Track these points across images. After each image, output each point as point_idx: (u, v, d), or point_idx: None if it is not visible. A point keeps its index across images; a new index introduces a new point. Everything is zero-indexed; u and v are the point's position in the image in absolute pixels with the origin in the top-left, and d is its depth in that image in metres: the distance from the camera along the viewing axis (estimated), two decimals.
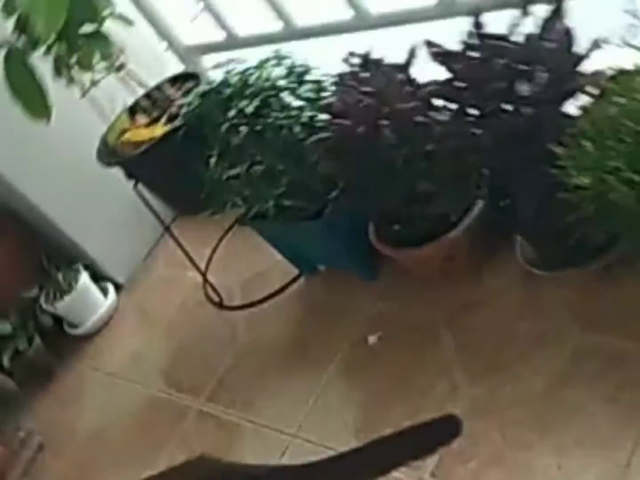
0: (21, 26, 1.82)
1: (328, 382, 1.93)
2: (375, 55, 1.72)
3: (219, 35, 2.30)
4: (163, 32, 2.41)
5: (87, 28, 1.94)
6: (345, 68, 1.76)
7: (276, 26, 2.12)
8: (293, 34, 2.09)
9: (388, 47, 1.77)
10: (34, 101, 1.89)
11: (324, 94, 1.82)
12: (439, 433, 1.44)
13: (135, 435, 2.18)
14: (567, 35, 1.52)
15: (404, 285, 1.91)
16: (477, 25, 1.48)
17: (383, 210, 1.76)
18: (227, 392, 2.13)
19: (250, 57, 2.02)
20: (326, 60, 1.91)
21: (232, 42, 2.26)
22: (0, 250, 2.49)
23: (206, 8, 2.23)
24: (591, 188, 1.36)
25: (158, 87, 2.15)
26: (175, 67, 2.40)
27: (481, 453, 1.59)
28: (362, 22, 1.88)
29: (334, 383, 1.92)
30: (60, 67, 1.94)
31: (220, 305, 2.34)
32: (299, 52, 1.99)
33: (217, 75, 1.97)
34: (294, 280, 2.22)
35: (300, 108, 1.79)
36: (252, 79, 1.86)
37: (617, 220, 1.37)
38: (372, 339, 1.93)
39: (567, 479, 1.48)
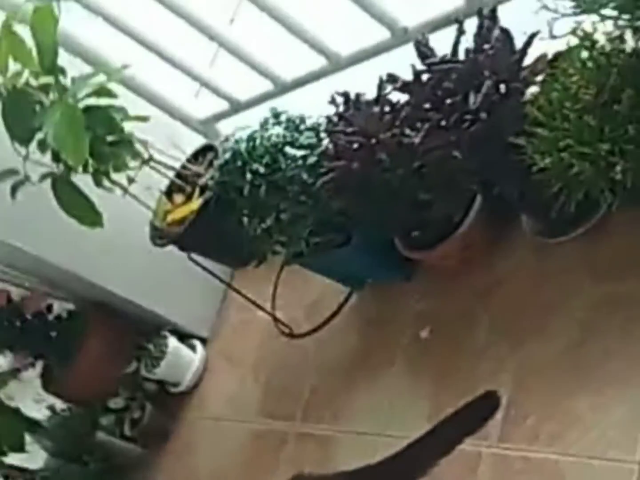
0: (56, 157, 2.13)
1: (395, 380, 2.18)
2: (352, 93, 1.97)
3: (223, 104, 2.57)
4: (174, 113, 2.69)
5: (111, 137, 2.24)
6: (332, 109, 2.01)
7: (268, 85, 2.38)
8: (284, 87, 2.35)
9: (362, 82, 2.01)
10: (86, 214, 2.20)
11: (321, 137, 2.07)
12: (482, 409, 1.67)
13: (247, 468, 2.47)
14: (505, 37, 1.73)
15: (436, 281, 2.14)
16: (421, 53, 1.70)
17: (397, 225, 1.99)
18: (315, 410, 2.39)
19: (254, 117, 2.30)
20: (316, 104, 2.16)
21: (236, 107, 2.53)
22: (99, 340, 2.82)
23: (204, 85, 2.51)
24: (553, 168, 1.57)
25: (184, 166, 2.43)
26: (192, 139, 2.68)
27: (536, 410, 1.81)
28: (336, 66, 2.12)
29: (400, 380, 2.17)
30: (98, 178, 2.25)
31: (291, 335, 2.61)
32: (292, 103, 2.25)
33: (229, 145, 2.24)
34: (347, 298, 2.46)
35: (304, 157, 2.05)
36: (257, 142, 2.12)
37: (584, 189, 1.57)
38: (424, 334, 2.16)
39: (613, 419, 1.66)
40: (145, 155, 2.34)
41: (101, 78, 2.14)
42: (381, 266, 2.23)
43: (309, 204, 2.05)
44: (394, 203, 1.90)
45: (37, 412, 2.94)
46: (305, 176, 2.03)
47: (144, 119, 2.32)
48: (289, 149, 2.07)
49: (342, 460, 2.18)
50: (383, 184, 1.86)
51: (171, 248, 2.45)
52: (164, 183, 2.47)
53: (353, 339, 2.40)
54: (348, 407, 2.28)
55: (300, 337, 2.56)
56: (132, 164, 2.31)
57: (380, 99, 1.87)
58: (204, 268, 2.47)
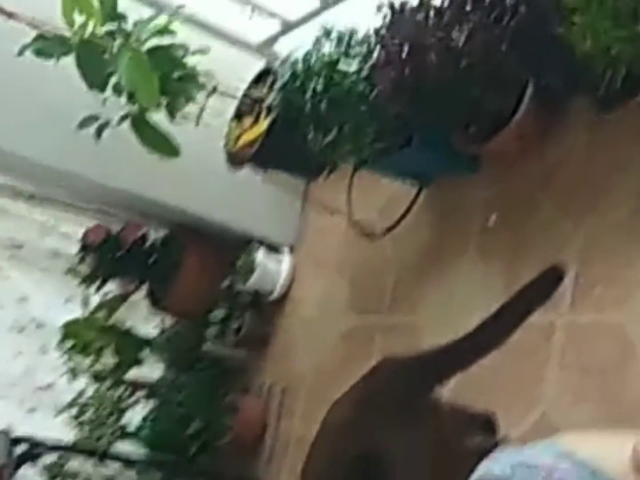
0: (131, 98, 2.30)
1: (469, 266, 2.32)
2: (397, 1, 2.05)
3: (275, 26, 2.68)
4: (232, 41, 2.81)
5: (177, 74, 2.40)
6: (379, 19, 2.10)
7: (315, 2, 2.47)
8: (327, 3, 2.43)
9: None
10: (163, 146, 2.38)
11: (372, 48, 2.17)
12: (549, 282, 1.79)
13: (343, 361, 2.69)
14: None
15: (497, 171, 2.25)
16: None
17: (453, 122, 2.10)
18: (398, 302, 2.57)
19: (306, 36, 2.40)
20: (363, 15, 2.25)
21: (287, 27, 2.63)
22: (194, 260, 3.07)
23: (256, 8, 2.62)
24: (594, 51, 1.64)
25: (248, 91, 2.57)
26: (252, 64, 2.79)
27: (602, 279, 1.93)
28: None
29: (474, 266, 2.31)
30: (172, 112, 2.41)
31: (369, 235, 2.77)
32: (340, 17, 2.34)
33: (286, 67, 2.36)
34: (417, 196, 2.60)
35: (358, 70, 2.15)
36: (312, 61, 2.23)
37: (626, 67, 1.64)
38: (491, 221, 2.29)
39: None
40: (211, 86, 2.48)
41: (161, 19, 2.27)
42: (444, 162, 2.34)
43: (367, 113, 2.17)
44: (447, 102, 1.99)
45: (148, 329, 3.24)
46: (361, 87, 2.14)
47: (204, 51, 2.45)
48: (342, 64, 2.18)
49: (426, 345, 2.35)
50: (435, 85, 1.96)
51: (248, 169, 2.63)
52: (231, 109, 2.62)
53: (426, 233, 2.55)
54: (429, 296, 2.45)
55: (377, 236, 2.73)
56: (200, 95, 2.47)
57: (423, 5, 1.95)
58: (281, 183, 2.64)
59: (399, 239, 2.65)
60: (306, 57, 2.25)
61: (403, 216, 2.64)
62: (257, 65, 2.70)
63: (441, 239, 2.48)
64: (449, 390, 1.96)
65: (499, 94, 1.96)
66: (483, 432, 1.90)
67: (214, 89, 2.48)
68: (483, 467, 1.17)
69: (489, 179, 2.29)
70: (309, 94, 2.23)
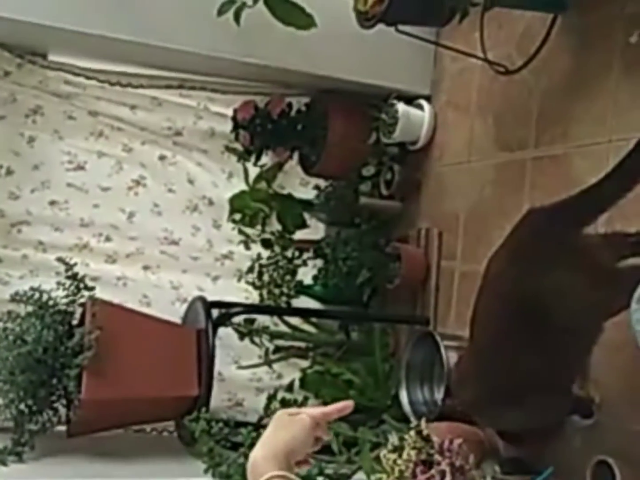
0: None
1: (615, 86, 2.32)
2: None
3: None
4: None
5: None
6: None
7: None
8: None
9: None
10: (299, 19, 2.48)
11: None
12: None
13: (496, 198, 2.80)
14: None
15: None
16: None
17: None
18: (545, 133, 2.62)
19: None
20: None
21: None
22: (339, 121, 3.20)
23: None
24: None
25: None
26: None
27: None
28: None
29: (620, 85, 2.31)
30: None
31: (507, 72, 2.79)
32: None
33: None
34: (553, 22, 2.57)
35: None
36: None
37: None
38: (633, 39, 2.26)
39: None
40: None
41: None
42: None
43: None
44: None
45: (306, 194, 3.46)
46: None
47: None
48: None
49: (579, 174, 2.42)
50: None
51: (378, 26, 2.68)
52: None
53: (567, 59, 2.54)
54: (575, 123, 2.48)
55: (516, 71, 2.74)
56: None
57: None
58: (412, 35, 2.68)
59: (538, 70, 2.66)
60: None
61: (540, 47, 2.63)
62: None
63: (582, 64, 2.47)
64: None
65: None
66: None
67: None
68: None
69: None
70: None
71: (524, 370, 1.90)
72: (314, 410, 1.26)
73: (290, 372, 3.30)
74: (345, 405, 1.28)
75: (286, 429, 1.21)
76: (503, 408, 2.02)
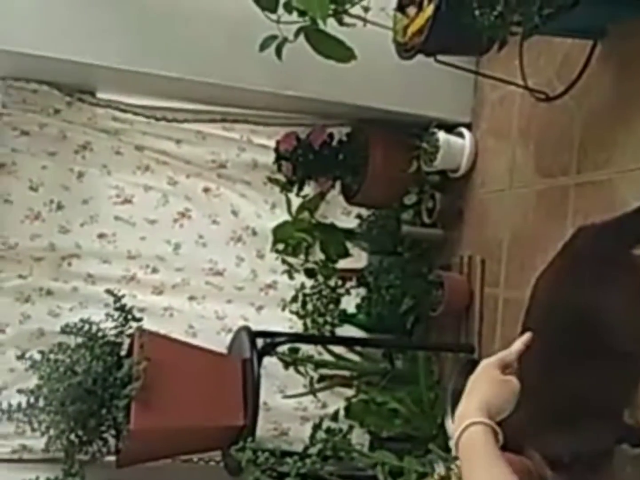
0: (302, 13, 2.44)
1: None
2: None
3: None
4: None
5: None
6: None
7: None
8: None
9: None
10: (340, 52, 2.52)
11: None
12: None
13: (540, 224, 2.79)
14: None
15: None
16: None
17: None
18: (587, 159, 2.60)
19: None
20: None
21: None
22: (380, 150, 3.25)
23: None
24: None
25: None
26: None
27: None
28: None
29: None
30: (339, 18, 2.54)
31: (548, 98, 2.79)
32: None
33: None
34: (593, 48, 2.57)
35: None
36: None
37: None
38: None
39: None
40: None
41: None
42: (617, 11, 2.31)
43: None
44: None
45: (348, 223, 3.49)
46: None
47: None
48: None
49: (624, 198, 2.40)
50: None
51: (417, 57, 2.71)
52: (394, 1, 2.69)
53: (608, 85, 2.53)
54: (618, 149, 2.47)
55: (557, 98, 2.74)
56: None
57: None
58: (452, 65, 2.70)
59: (579, 96, 2.65)
60: None
61: (581, 73, 2.63)
62: None
63: (624, 89, 2.46)
64: None
65: None
66: None
67: None
68: None
69: None
70: None
71: (574, 392, 1.87)
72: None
73: (335, 401, 3.31)
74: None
75: (501, 389, 1.28)
76: (552, 431, 1.99)
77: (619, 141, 2.48)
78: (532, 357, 1.99)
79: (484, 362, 1.37)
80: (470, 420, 1.18)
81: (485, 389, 1.27)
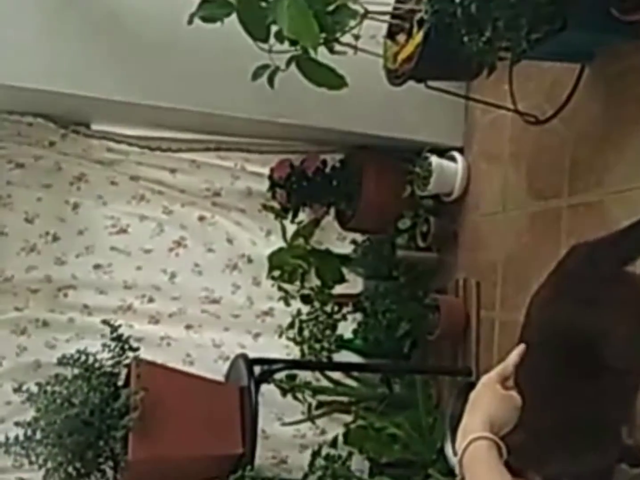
0: (293, 43, 2.47)
1: None
2: None
3: None
4: None
5: (329, 7, 2.53)
6: None
7: None
8: None
9: None
10: (331, 80, 2.53)
11: None
12: None
13: (534, 246, 2.81)
14: None
15: None
16: None
17: None
18: (579, 181, 2.63)
19: None
20: None
21: None
22: (374, 176, 3.28)
23: None
24: None
25: (397, 7, 2.66)
26: None
27: None
28: None
29: None
30: (330, 46, 2.56)
31: (538, 122, 2.82)
32: None
33: None
34: (581, 72, 2.61)
35: None
36: None
37: None
38: None
39: None
40: (361, 11, 2.59)
41: None
42: (603, 36, 2.34)
43: (518, 5, 2.20)
44: None
45: (343, 248, 3.50)
46: None
47: None
48: None
49: (614, 218, 2.42)
50: None
51: (408, 83, 2.75)
52: (384, 29, 2.73)
53: (597, 107, 2.57)
54: (608, 170, 2.49)
55: (547, 121, 2.77)
56: (353, 22, 2.59)
57: None
58: (442, 90, 2.74)
59: (569, 119, 2.68)
60: None
61: (570, 96, 2.67)
62: None
63: (612, 111, 2.49)
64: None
65: None
66: None
67: (366, 13, 2.59)
68: None
69: None
70: None
71: (571, 412, 1.86)
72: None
73: (334, 427, 3.30)
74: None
75: (504, 404, 1.30)
76: (550, 453, 1.98)
77: (609, 163, 2.50)
78: (528, 376, 2.00)
79: (484, 378, 1.38)
80: (474, 435, 1.19)
81: (489, 404, 1.28)
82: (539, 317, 1.96)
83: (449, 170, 3.24)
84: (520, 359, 1.44)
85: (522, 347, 1.45)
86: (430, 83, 2.71)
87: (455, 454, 1.30)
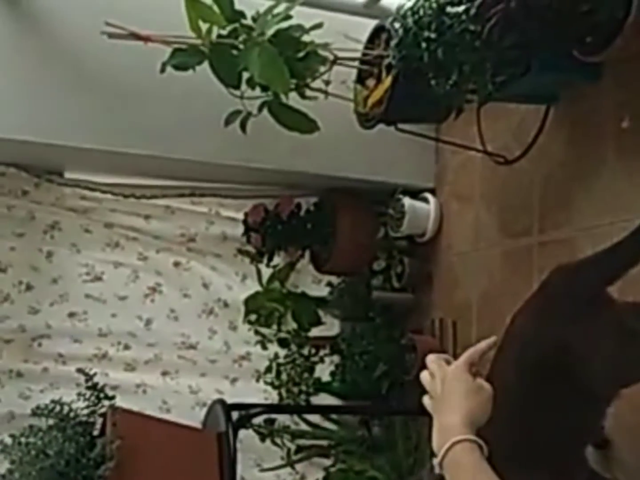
0: (264, 88, 2.51)
1: (612, 168, 2.39)
2: None
3: None
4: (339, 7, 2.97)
5: (299, 54, 2.58)
6: None
7: None
8: None
9: None
10: (303, 125, 2.58)
11: None
12: None
13: (507, 283, 2.84)
14: None
15: (623, 74, 2.30)
16: None
17: (569, 39, 2.17)
18: (548, 219, 2.67)
19: None
20: None
21: None
22: (348, 217, 3.30)
23: None
24: None
25: (365, 53, 2.72)
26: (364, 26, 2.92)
27: None
28: None
29: (616, 168, 2.38)
30: (301, 92, 2.61)
31: (507, 162, 2.87)
32: None
33: (398, 23, 2.48)
34: (546, 114, 2.67)
35: (466, 10, 2.25)
36: (421, 12, 2.35)
37: None
38: (625, 124, 2.34)
39: None
40: (331, 57, 2.65)
41: (279, 7, 2.44)
42: (566, 79, 2.41)
43: (483, 50, 2.26)
44: (559, 22, 2.07)
45: (319, 291, 3.51)
46: (472, 27, 2.24)
47: (319, 26, 2.61)
48: (450, 8, 2.28)
49: (584, 254, 2.44)
50: (545, 9, 2.04)
51: (379, 126, 2.79)
52: (353, 74, 2.78)
53: (563, 147, 2.62)
54: (576, 208, 2.54)
55: (515, 161, 2.82)
56: (323, 68, 2.64)
57: None
58: (412, 132, 2.78)
59: (537, 159, 2.74)
60: (414, 8, 2.37)
61: (536, 136, 2.72)
62: (368, 25, 2.82)
63: (578, 150, 2.55)
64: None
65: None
66: None
67: (335, 59, 2.64)
68: None
69: (615, 83, 2.34)
70: (423, 44, 2.35)
71: (541, 430, 1.85)
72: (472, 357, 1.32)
73: (313, 472, 3.28)
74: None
75: (479, 397, 1.26)
76: (518, 470, 1.97)
77: (577, 200, 2.55)
78: (500, 390, 1.99)
79: (452, 367, 1.34)
80: (456, 438, 1.16)
81: (465, 399, 1.25)
82: (519, 335, 1.96)
83: (421, 211, 3.28)
84: (489, 348, 1.39)
85: (492, 338, 1.41)
86: (401, 126, 2.76)
87: (434, 455, 1.28)
